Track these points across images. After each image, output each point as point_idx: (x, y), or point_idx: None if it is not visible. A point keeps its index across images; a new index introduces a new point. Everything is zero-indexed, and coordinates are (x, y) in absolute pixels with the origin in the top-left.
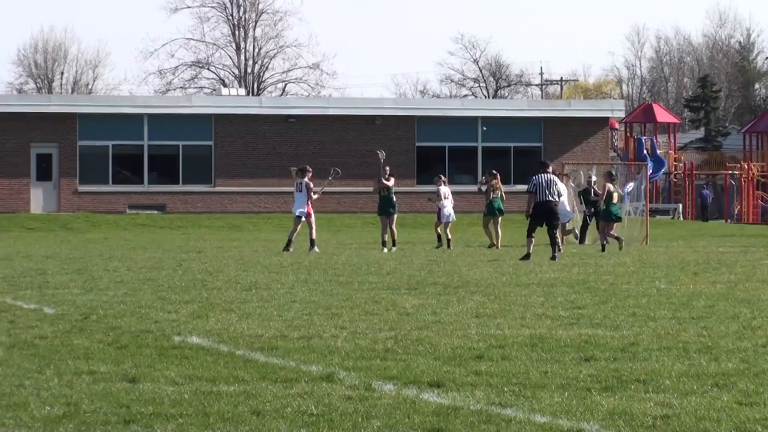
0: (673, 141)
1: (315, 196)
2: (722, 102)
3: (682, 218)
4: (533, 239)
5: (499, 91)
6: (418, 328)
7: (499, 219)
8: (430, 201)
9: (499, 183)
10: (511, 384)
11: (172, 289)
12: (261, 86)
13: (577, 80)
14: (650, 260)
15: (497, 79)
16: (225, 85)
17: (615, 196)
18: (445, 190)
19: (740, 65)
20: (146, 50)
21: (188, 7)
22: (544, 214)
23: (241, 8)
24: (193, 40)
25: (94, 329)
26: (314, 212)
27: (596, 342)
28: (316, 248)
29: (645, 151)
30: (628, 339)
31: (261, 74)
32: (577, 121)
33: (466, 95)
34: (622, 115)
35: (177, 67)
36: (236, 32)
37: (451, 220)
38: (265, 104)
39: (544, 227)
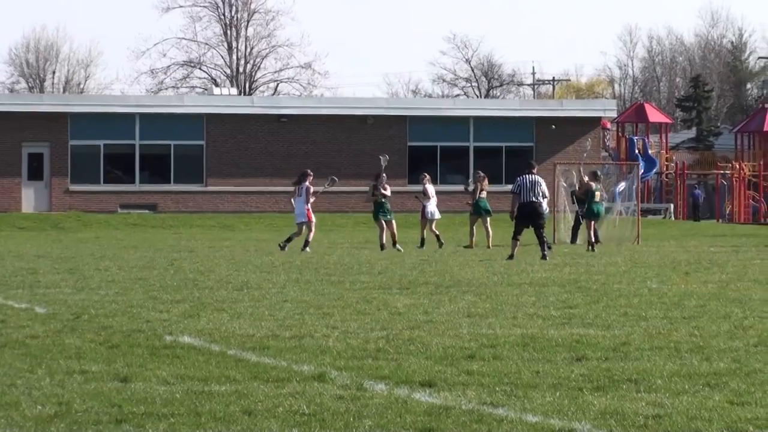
0: (664, 141)
1: (312, 199)
2: (714, 102)
3: (673, 218)
4: (519, 241)
5: (491, 91)
6: (409, 328)
7: (488, 219)
8: (416, 199)
9: (486, 184)
10: (502, 384)
11: (164, 289)
12: (253, 86)
13: (569, 80)
14: (642, 260)
15: (489, 78)
16: (217, 85)
17: (597, 194)
18: (430, 188)
19: (732, 65)
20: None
21: (180, 6)
22: (528, 215)
23: (233, 8)
24: (185, 39)
25: (86, 329)
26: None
27: (588, 342)
28: (308, 249)
29: (637, 151)
30: (619, 339)
31: (253, 74)
32: (569, 121)
33: (458, 95)
34: (614, 114)
35: (169, 66)
36: (228, 32)
37: (435, 217)
38: (257, 104)
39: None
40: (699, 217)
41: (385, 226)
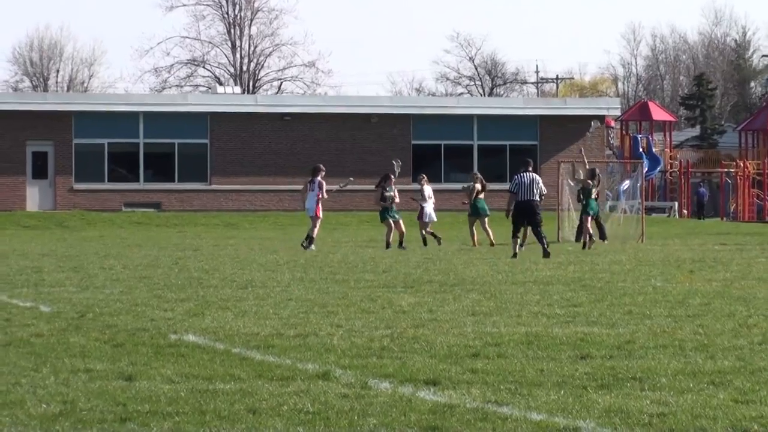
0: (668, 139)
1: (324, 196)
2: (718, 100)
3: (677, 216)
4: (518, 239)
5: (494, 90)
6: (414, 326)
7: (486, 219)
8: (413, 200)
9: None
10: (507, 382)
11: (168, 287)
12: (256, 84)
13: (573, 78)
14: (646, 258)
15: (493, 77)
16: (220, 84)
17: (594, 192)
18: (428, 189)
19: (736, 63)
20: (142, 48)
21: (184, 5)
22: (526, 213)
23: (237, 6)
24: (189, 38)
25: (90, 327)
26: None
27: (592, 340)
28: (312, 246)
29: (641, 149)
30: (624, 337)
31: (256, 72)
32: (573, 119)
33: (461, 93)
34: (618, 113)
35: (172, 65)
36: (232, 30)
37: (433, 220)
38: (261, 102)
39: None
40: (704, 215)
41: (393, 225)
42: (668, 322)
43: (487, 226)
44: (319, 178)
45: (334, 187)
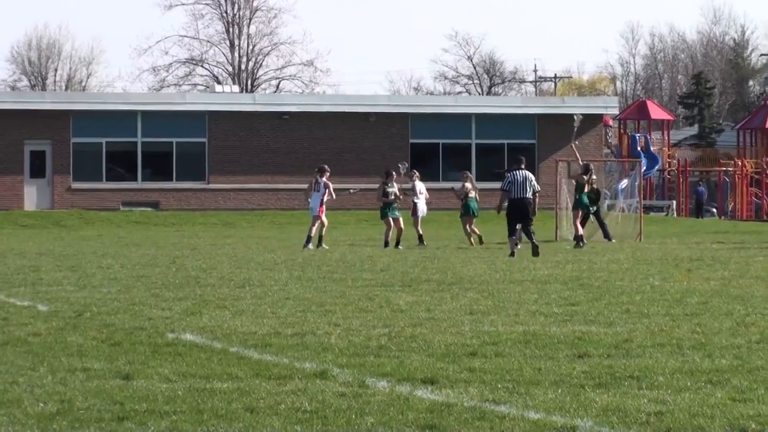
0: (666, 138)
1: (332, 197)
2: (716, 99)
3: (675, 215)
4: (516, 238)
5: (492, 88)
6: (411, 325)
7: (473, 220)
8: (405, 195)
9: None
10: (504, 381)
11: (166, 286)
12: (255, 83)
13: (571, 77)
14: (644, 257)
15: (491, 76)
16: (219, 82)
17: (586, 187)
18: (420, 185)
19: (734, 62)
20: (140, 47)
21: (182, 4)
22: (519, 211)
23: (236, 5)
24: (187, 37)
25: (88, 326)
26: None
27: (590, 339)
28: (310, 246)
29: (639, 148)
30: (621, 336)
31: (255, 71)
32: (571, 118)
33: (460, 92)
34: (616, 111)
35: (171, 64)
36: (230, 29)
37: (423, 214)
38: (259, 101)
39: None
40: (703, 214)
41: (392, 223)
42: (666, 321)
43: (474, 226)
44: (324, 179)
45: (350, 190)
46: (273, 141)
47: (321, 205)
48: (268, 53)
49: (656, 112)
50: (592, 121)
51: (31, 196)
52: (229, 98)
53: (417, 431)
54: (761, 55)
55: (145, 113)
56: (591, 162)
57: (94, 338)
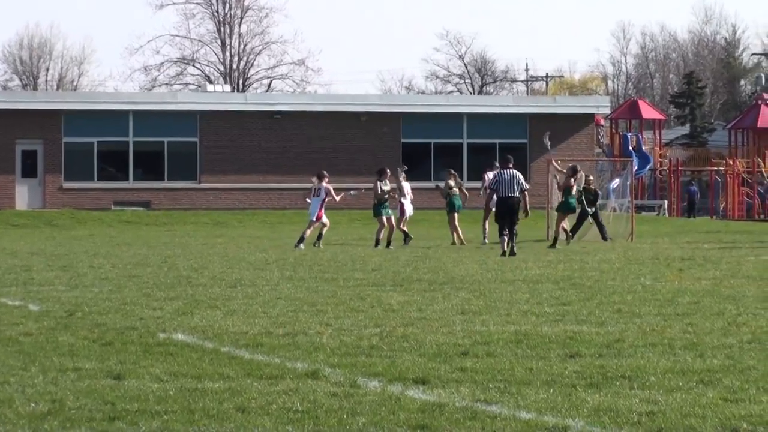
0: (658, 137)
1: (338, 198)
2: (707, 98)
3: (667, 214)
4: (506, 237)
5: (484, 88)
6: (403, 325)
7: (456, 216)
8: (392, 195)
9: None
10: (496, 380)
11: (157, 286)
12: (246, 83)
13: (563, 77)
14: (635, 257)
15: (482, 75)
16: (210, 82)
17: (574, 189)
18: (406, 186)
19: (726, 61)
20: (131, 47)
21: (174, 3)
22: (508, 209)
23: (227, 5)
24: (179, 36)
25: (79, 326)
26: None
27: (581, 338)
28: (302, 245)
29: (630, 148)
30: (613, 335)
31: (246, 71)
32: (563, 118)
33: (451, 91)
34: (608, 111)
35: (162, 63)
36: (222, 29)
37: (410, 213)
38: (251, 101)
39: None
40: (695, 213)
41: (385, 222)
42: (657, 321)
43: (457, 223)
44: (324, 183)
45: (351, 191)
46: (264, 140)
47: (321, 209)
48: (259, 52)
49: (648, 112)
50: (584, 120)
51: (23, 195)
52: (220, 98)
53: (408, 431)
54: (752, 54)
55: (136, 113)
56: (582, 161)
57: (86, 338)
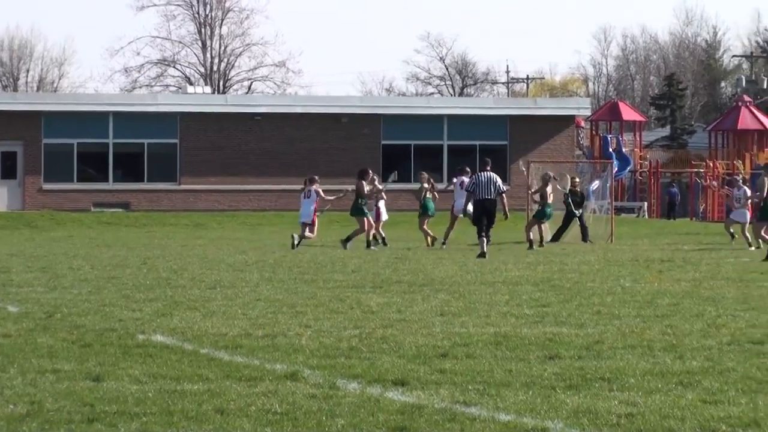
0: (638, 139)
1: (331, 198)
2: (688, 100)
3: (646, 216)
4: (484, 238)
5: (465, 89)
6: (382, 327)
7: (429, 219)
8: (379, 197)
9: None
10: (475, 382)
11: (137, 288)
12: (227, 84)
13: (544, 78)
14: (615, 258)
15: (463, 77)
16: (191, 83)
17: (550, 198)
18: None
19: (706, 63)
20: (112, 48)
21: (155, 5)
22: (484, 211)
23: (208, 6)
24: (159, 38)
25: (58, 327)
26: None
27: (561, 340)
28: (298, 245)
29: (611, 149)
30: (592, 337)
31: (227, 72)
32: (543, 119)
33: (432, 93)
34: (588, 113)
35: (143, 65)
36: (202, 30)
37: (384, 218)
38: (231, 102)
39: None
40: (675, 215)
41: (365, 223)
42: (637, 323)
43: (426, 226)
44: (314, 187)
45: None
46: (245, 142)
47: (314, 212)
48: (240, 54)
49: (628, 114)
50: (565, 122)
51: (2, 197)
52: (200, 99)
53: None
54: (733, 56)
55: (116, 114)
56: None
57: (65, 340)
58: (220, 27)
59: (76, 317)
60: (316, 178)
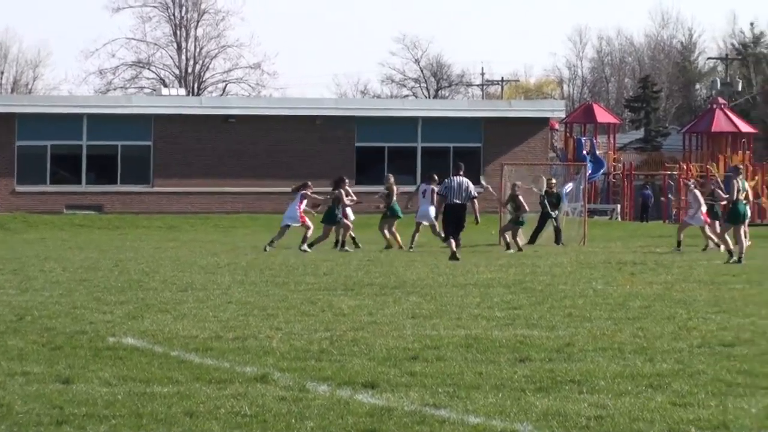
0: (612, 141)
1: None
2: (663, 102)
3: (620, 218)
4: (452, 240)
5: (439, 92)
6: (353, 329)
7: (395, 222)
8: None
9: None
10: (445, 385)
11: (108, 290)
12: (201, 86)
13: (519, 80)
14: (587, 261)
15: (438, 79)
16: (165, 85)
17: (526, 205)
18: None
19: (681, 65)
20: (87, 50)
21: (130, 6)
22: (455, 215)
23: (183, 8)
24: (135, 39)
25: (29, 330)
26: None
27: (531, 343)
28: (305, 247)
29: (584, 152)
30: (563, 340)
31: (202, 74)
32: (518, 122)
33: (406, 96)
34: (563, 115)
35: (118, 66)
36: (178, 32)
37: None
38: (205, 104)
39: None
40: (648, 217)
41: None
42: (608, 325)
43: (394, 229)
44: (307, 191)
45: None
46: (219, 144)
47: (300, 214)
48: (215, 56)
49: (602, 116)
50: (539, 124)
51: None
52: (175, 101)
53: None
54: (708, 58)
55: (90, 116)
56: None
57: (35, 342)
58: (196, 29)
59: (46, 320)
60: (309, 183)
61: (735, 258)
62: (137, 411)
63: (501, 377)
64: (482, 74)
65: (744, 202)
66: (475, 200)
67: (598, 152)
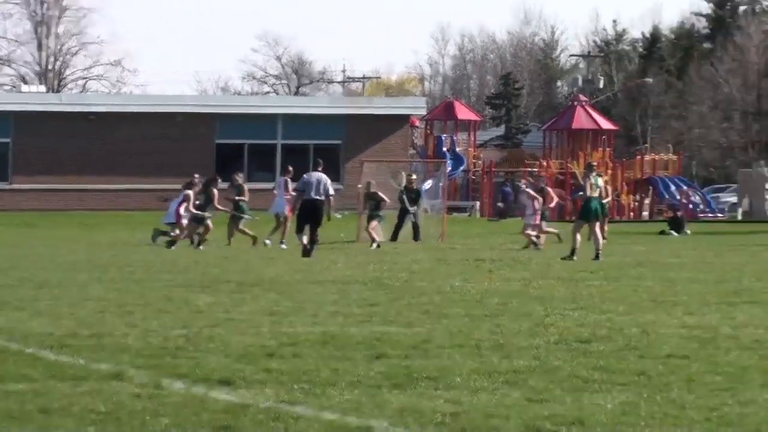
0: (473, 138)
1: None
2: (524, 99)
3: (479, 216)
4: (304, 235)
5: (300, 89)
6: (210, 326)
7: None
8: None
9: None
10: (301, 381)
11: None
12: (62, 83)
13: (380, 78)
14: (446, 258)
15: (299, 76)
16: (25, 82)
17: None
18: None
19: (543, 62)
20: None
21: None
22: (311, 211)
23: (45, 5)
24: None
25: None
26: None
27: (388, 339)
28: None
29: (444, 149)
30: (420, 336)
31: (62, 71)
32: (379, 119)
33: (267, 92)
34: (423, 112)
35: None
36: (39, 29)
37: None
38: (66, 101)
39: None
40: (507, 214)
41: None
42: (465, 322)
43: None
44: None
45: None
46: (79, 141)
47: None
48: (76, 53)
49: (463, 113)
50: (400, 121)
51: None
52: (35, 98)
53: None
54: (570, 55)
55: None
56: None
57: None
58: (57, 25)
59: None
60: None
61: (571, 255)
62: None
63: (357, 374)
64: (344, 71)
65: (597, 198)
66: (331, 198)
67: (458, 149)
